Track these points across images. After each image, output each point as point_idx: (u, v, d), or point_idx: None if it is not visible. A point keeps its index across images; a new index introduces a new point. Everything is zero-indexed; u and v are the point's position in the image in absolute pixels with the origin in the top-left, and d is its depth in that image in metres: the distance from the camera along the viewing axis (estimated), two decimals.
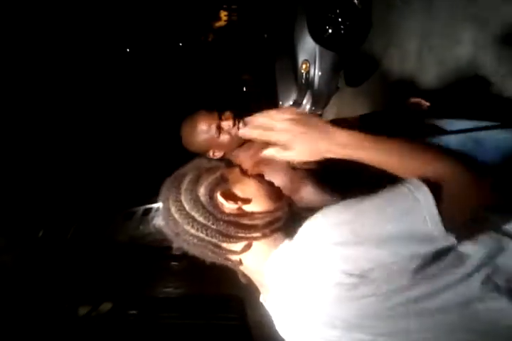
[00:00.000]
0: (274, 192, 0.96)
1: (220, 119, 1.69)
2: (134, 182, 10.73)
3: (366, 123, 1.90)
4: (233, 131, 1.68)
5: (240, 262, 0.91)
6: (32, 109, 8.39)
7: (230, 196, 0.89)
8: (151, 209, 11.21)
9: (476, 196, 0.77)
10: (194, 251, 0.93)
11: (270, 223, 0.90)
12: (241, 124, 1.68)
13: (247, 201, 0.90)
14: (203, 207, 0.88)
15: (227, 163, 1.03)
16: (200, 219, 0.87)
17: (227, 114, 1.71)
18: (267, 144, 1.65)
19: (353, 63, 5.38)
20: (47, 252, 5.55)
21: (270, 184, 0.98)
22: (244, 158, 1.69)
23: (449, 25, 3.25)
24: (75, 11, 9.91)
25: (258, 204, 0.91)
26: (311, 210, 0.86)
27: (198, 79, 14.15)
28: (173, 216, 0.91)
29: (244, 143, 1.72)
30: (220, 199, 0.88)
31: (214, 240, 0.87)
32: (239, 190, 0.92)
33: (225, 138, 1.68)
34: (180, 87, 13.87)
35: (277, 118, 0.88)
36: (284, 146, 0.88)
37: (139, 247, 8.73)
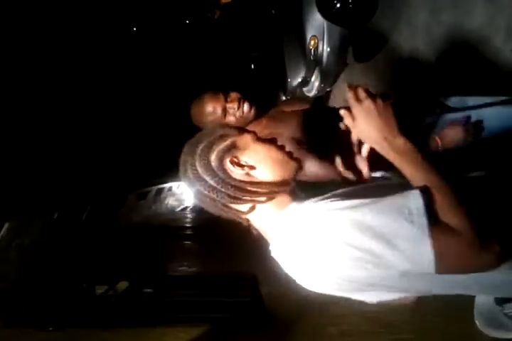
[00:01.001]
0: (283, 159, 1.03)
1: (226, 101, 1.72)
2: (146, 162, 10.82)
3: None
4: (238, 113, 1.72)
5: (247, 220, 1.01)
6: (51, 94, 8.42)
7: (238, 163, 0.98)
8: (163, 189, 11.35)
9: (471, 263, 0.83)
10: (208, 208, 1.03)
11: (275, 189, 0.99)
12: (245, 106, 1.71)
13: (253, 168, 0.99)
14: (214, 171, 0.97)
15: (240, 129, 1.09)
16: (211, 182, 0.97)
17: (233, 95, 1.74)
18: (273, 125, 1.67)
19: (362, 39, 5.29)
20: (63, 233, 5.66)
21: (281, 147, 1.06)
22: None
23: None
24: None
25: (264, 170, 1.00)
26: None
27: (205, 56, 14.02)
28: (189, 177, 1.00)
29: (249, 123, 1.76)
30: (229, 165, 0.98)
31: (223, 201, 0.97)
32: (247, 157, 1.00)
33: (230, 119, 1.73)
34: (188, 65, 13.78)
35: (366, 97, 0.96)
36: (355, 121, 0.98)
37: (153, 227, 8.87)
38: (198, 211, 11.56)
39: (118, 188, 7.98)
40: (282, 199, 0.99)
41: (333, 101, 7.33)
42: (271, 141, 1.06)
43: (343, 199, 0.89)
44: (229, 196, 0.96)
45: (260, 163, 1.00)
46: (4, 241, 4.36)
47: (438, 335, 2.99)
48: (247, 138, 1.04)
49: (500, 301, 1.35)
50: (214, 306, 3.95)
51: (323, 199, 0.93)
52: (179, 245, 6.96)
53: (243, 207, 0.99)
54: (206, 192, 0.98)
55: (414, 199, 0.83)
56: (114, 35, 11.75)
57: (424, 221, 0.80)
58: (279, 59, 7.15)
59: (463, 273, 0.87)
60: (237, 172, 0.98)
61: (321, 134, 1.69)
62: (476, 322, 1.33)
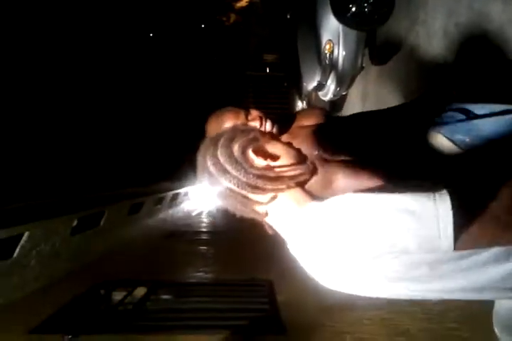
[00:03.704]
0: (301, 155, 1.08)
1: (247, 119, 1.64)
2: (163, 167, 10.89)
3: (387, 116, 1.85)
4: None
5: (266, 213, 1.00)
6: (63, 91, 8.53)
7: (261, 153, 1.00)
8: (179, 194, 11.41)
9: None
10: (225, 202, 1.03)
11: (294, 176, 1.00)
12: (268, 125, 1.63)
13: (275, 158, 1.01)
14: (236, 160, 0.98)
15: (260, 131, 1.14)
16: (233, 171, 0.97)
17: (254, 113, 1.66)
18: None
19: (378, 41, 5.25)
20: (82, 239, 5.71)
21: (298, 150, 1.09)
22: None
23: (476, 0, 3.14)
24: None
25: (285, 161, 1.02)
26: None
27: (220, 61, 14.10)
28: (208, 169, 1.01)
29: None
30: (251, 154, 0.99)
31: (243, 191, 0.98)
32: (269, 148, 1.03)
33: None
34: (202, 69, 13.87)
35: None
36: None
37: (169, 232, 8.91)
38: (214, 216, 11.60)
39: (134, 194, 8.02)
40: (303, 196, 1.00)
41: (349, 105, 7.28)
42: (287, 144, 1.09)
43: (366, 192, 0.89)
44: (249, 185, 0.96)
45: (281, 154, 1.03)
46: (24, 249, 4.41)
47: None
48: (267, 135, 1.09)
49: None
50: (231, 313, 3.94)
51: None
52: (195, 250, 6.97)
53: (264, 198, 0.98)
54: (226, 182, 0.98)
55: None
56: (130, 39, 11.88)
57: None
58: (295, 63, 7.14)
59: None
60: (258, 162, 0.99)
61: (344, 146, 1.67)
62: (495, 329, 1.30)
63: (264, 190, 0.97)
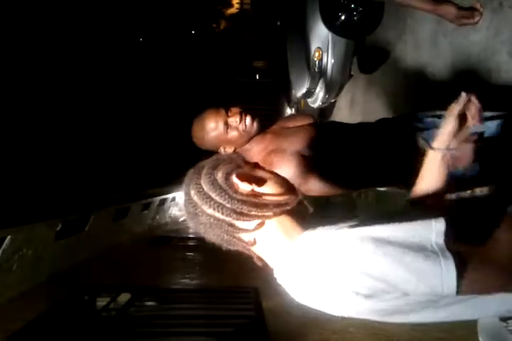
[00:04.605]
0: (288, 183, 1.06)
1: (227, 116, 1.71)
2: (150, 172, 10.84)
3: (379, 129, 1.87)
4: (240, 126, 1.70)
5: (254, 241, 0.98)
6: (57, 103, 8.49)
7: (245, 178, 0.97)
8: (166, 199, 11.34)
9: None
10: (210, 233, 1.01)
11: (281, 203, 0.97)
12: (248, 119, 1.70)
13: (260, 183, 0.98)
14: (220, 187, 0.96)
15: (243, 159, 1.11)
16: (217, 198, 0.95)
17: (234, 110, 1.73)
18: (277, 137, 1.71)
19: (367, 50, 5.30)
20: (66, 244, 5.64)
21: (284, 179, 1.07)
22: (257, 150, 1.75)
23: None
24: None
25: (270, 187, 1.00)
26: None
27: (210, 67, 14.11)
28: (192, 198, 0.99)
29: (252, 137, 1.75)
30: (235, 180, 0.97)
31: (228, 218, 0.95)
32: (254, 174, 1.02)
33: (233, 134, 1.71)
34: (192, 75, 13.86)
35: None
36: None
37: (156, 237, 8.84)
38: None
39: (120, 199, 7.95)
40: (290, 224, 0.98)
41: (338, 113, 7.32)
42: (271, 172, 1.07)
43: (359, 226, 0.87)
44: (235, 212, 0.94)
45: (267, 180, 1.01)
46: (7, 253, 4.33)
47: None
48: (250, 164, 1.07)
49: (505, 318, 1.32)
50: (216, 320, 3.90)
51: (337, 224, 0.92)
52: (181, 256, 6.92)
53: (250, 225, 0.96)
54: (210, 211, 0.96)
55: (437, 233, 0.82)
56: (121, 45, 11.86)
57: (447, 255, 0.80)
58: (284, 70, 7.18)
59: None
60: (243, 187, 0.96)
61: (325, 149, 1.70)
62: (480, 338, 1.30)
63: (249, 217, 0.95)
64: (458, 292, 0.79)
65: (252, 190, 0.97)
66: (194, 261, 6.72)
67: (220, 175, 0.98)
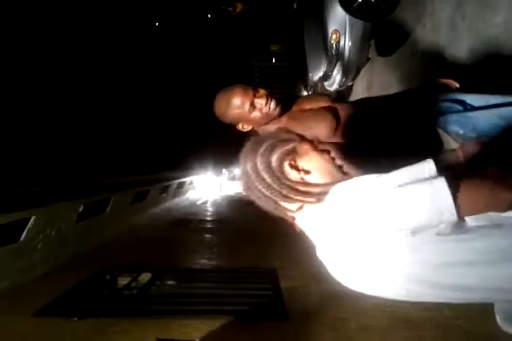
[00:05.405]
0: (332, 170, 1.11)
1: (254, 96, 1.75)
2: (167, 156, 10.93)
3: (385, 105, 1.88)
4: (265, 109, 1.74)
5: (294, 218, 1.09)
6: (74, 80, 8.55)
7: (296, 167, 1.07)
8: (184, 182, 11.46)
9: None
10: (259, 203, 1.11)
11: (323, 192, 1.03)
12: (272, 103, 1.74)
13: (308, 173, 1.07)
14: (272, 171, 1.07)
15: (302, 137, 1.17)
16: (269, 180, 1.06)
17: (261, 91, 1.77)
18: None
19: (384, 32, 5.24)
20: (88, 225, 5.77)
21: (333, 159, 1.13)
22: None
23: None
24: None
25: (316, 177, 1.08)
26: None
27: (226, 50, 14.03)
28: (248, 173, 1.09)
29: (272, 120, 1.79)
30: (287, 168, 1.07)
31: (275, 198, 1.07)
32: (304, 163, 1.09)
33: (255, 114, 1.76)
34: (208, 59, 13.81)
35: None
36: None
37: (175, 220, 8.96)
38: (219, 205, 11.63)
39: (140, 182, 8.07)
40: None
41: (354, 96, 7.28)
42: (326, 152, 1.13)
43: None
44: (282, 195, 1.05)
45: (315, 170, 1.08)
46: (31, 233, 4.47)
47: (459, 332, 2.98)
48: (307, 146, 1.12)
49: None
50: (234, 299, 3.98)
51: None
52: (200, 238, 7.03)
53: (292, 206, 1.07)
54: (261, 188, 1.07)
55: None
56: (137, 30, 11.85)
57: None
58: (301, 53, 7.13)
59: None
60: (293, 175, 1.06)
61: (343, 132, 1.72)
62: (496, 317, 1.33)
63: (293, 200, 1.06)
64: (458, 212, 0.84)
65: (301, 179, 1.06)
66: (212, 242, 6.83)
67: (274, 159, 1.08)
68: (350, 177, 1.05)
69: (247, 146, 1.13)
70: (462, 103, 1.72)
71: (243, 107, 1.74)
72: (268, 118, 1.78)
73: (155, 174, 9.32)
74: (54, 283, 4.34)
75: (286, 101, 1.86)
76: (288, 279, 4.19)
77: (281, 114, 1.80)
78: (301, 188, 1.05)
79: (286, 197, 1.05)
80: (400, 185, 0.88)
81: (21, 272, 4.34)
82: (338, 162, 1.12)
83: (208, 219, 10.02)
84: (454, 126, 1.67)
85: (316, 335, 3.15)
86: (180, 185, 10.98)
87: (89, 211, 5.76)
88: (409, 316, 3.24)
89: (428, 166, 0.88)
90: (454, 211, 0.84)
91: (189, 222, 8.94)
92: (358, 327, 3.21)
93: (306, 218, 1.07)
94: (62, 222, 5.00)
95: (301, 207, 1.06)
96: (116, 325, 3.37)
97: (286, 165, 1.07)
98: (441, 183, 0.84)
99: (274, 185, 1.05)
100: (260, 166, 1.07)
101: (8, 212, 4.06)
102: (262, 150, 1.09)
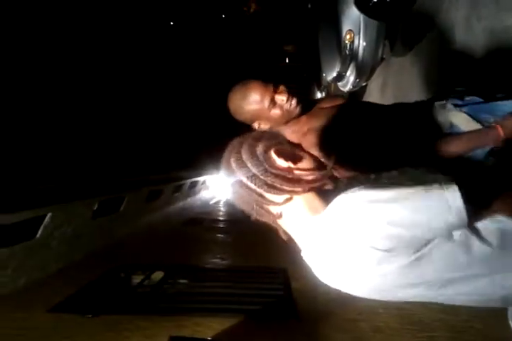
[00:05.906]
0: (319, 162, 1.09)
1: (275, 92, 1.62)
2: (181, 155, 10.98)
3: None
4: (286, 106, 1.62)
5: (280, 215, 1.02)
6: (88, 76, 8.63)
7: (282, 154, 1.02)
8: (197, 182, 11.51)
9: None
10: (242, 201, 1.05)
11: (312, 181, 1.01)
12: (294, 100, 1.63)
13: (296, 161, 1.03)
14: (257, 158, 1.00)
15: (286, 138, 1.14)
16: (253, 169, 0.99)
17: (282, 88, 1.64)
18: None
19: (399, 32, 5.21)
20: (102, 223, 5.83)
21: (316, 158, 1.10)
22: (291, 131, 1.67)
23: None
24: None
25: (304, 165, 1.04)
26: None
27: (240, 50, 14.06)
28: (231, 166, 1.03)
29: (291, 120, 1.69)
30: (274, 155, 1.01)
31: (260, 190, 0.99)
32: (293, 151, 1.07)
33: (275, 111, 1.62)
34: (223, 58, 13.85)
35: None
36: None
37: (188, 219, 9.01)
38: (231, 204, 11.64)
39: (153, 181, 8.13)
40: (317, 202, 1.02)
41: (368, 97, 7.25)
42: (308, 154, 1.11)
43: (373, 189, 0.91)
44: (267, 184, 0.98)
45: (303, 159, 1.05)
46: (47, 230, 4.53)
47: (473, 334, 2.95)
48: (292, 145, 1.10)
49: None
50: (246, 298, 4.00)
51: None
52: (212, 237, 7.06)
53: (278, 198, 1.00)
54: (245, 179, 1.00)
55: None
56: (152, 29, 11.93)
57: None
58: (314, 53, 7.11)
59: None
60: (279, 162, 1.00)
61: (354, 129, 1.69)
62: (510, 322, 1.32)
63: (280, 190, 0.99)
64: (468, 216, 0.83)
65: (288, 167, 1.01)
66: (225, 242, 6.86)
67: (260, 148, 1.02)
68: (339, 172, 1.05)
69: (232, 143, 1.09)
70: (482, 95, 1.69)
71: (262, 103, 1.59)
72: (288, 117, 1.66)
73: (168, 173, 9.37)
74: (69, 280, 4.40)
75: (307, 101, 1.75)
76: (299, 279, 4.18)
77: (302, 113, 1.68)
78: (288, 176, 0.99)
79: (271, 187, 0.98)
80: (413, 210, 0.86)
81: (37, 269, 4.40)
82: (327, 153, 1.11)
83: (221, 218, 10.05)
84: (484, 114, 1.62)
85: (327, 336, 3.15)
86: (193, 185, 11.04)
87: (103, 209, 5.82)
88: (421, 317, 3.23)
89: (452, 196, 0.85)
90: (463, 210, 0.83)
91: (202, 221, 8.99)
92: (369, 329, 3.20)
93: (292, 222, 1.02)
94: (77, 219, 5.06)
95: (289, 199, 1.00)
96: (130, 322, 3.40)
97: (272, 152, 1.01)
98: (454, 188, 0.84)
99: (259, 174, 0.98)
100: (244, 155, 1.01)
101: (25, 210, 4.12)
102: (247, 141, 1.05)
